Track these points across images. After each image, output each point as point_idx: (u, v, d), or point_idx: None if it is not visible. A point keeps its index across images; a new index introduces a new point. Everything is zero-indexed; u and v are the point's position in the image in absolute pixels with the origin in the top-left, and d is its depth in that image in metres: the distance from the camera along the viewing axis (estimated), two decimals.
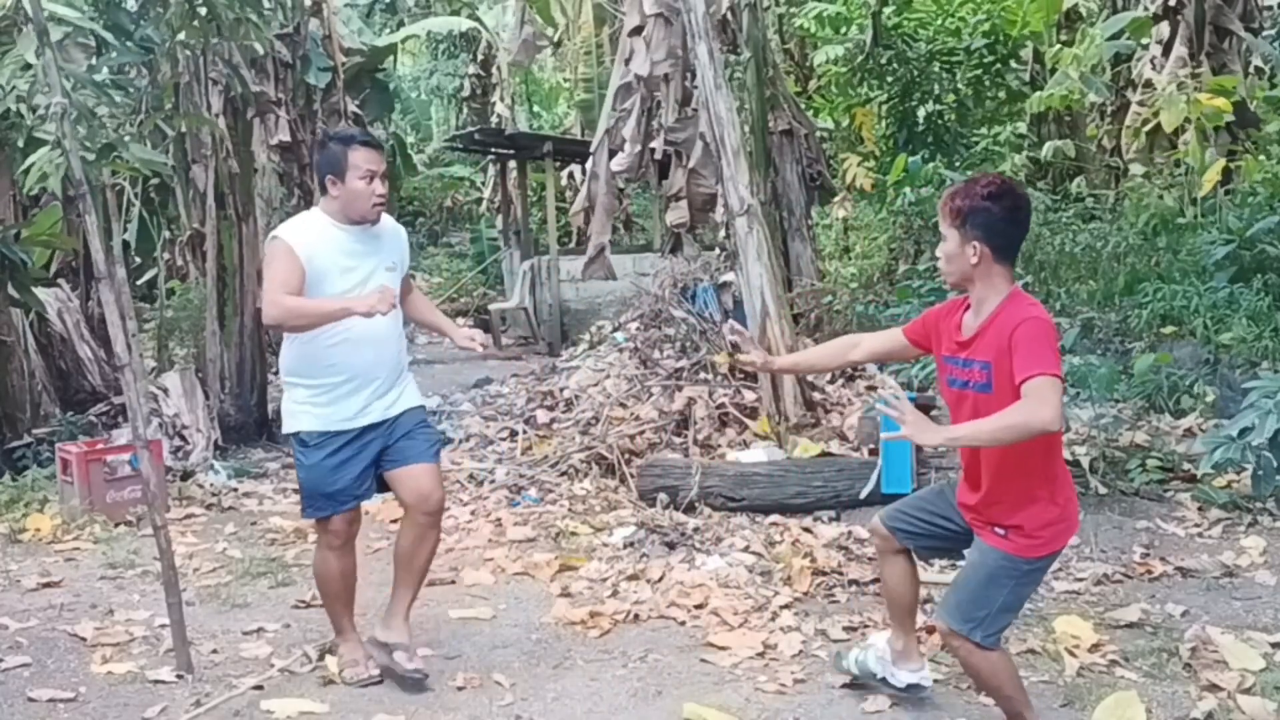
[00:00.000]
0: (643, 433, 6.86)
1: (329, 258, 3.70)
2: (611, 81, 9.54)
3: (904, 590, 3.51)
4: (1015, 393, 2.86)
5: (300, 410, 3.80)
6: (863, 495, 5.81)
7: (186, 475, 7.03)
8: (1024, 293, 3.11)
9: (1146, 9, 11.36)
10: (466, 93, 21.30)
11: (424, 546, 3.88)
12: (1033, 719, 3.22)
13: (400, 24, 17.29)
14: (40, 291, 7.59)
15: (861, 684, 3.70)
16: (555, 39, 17.55)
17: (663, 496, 5.98)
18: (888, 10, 13.31)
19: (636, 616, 4.48)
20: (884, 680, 3.61)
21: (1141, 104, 11.35)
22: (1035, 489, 3.04)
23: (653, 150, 8.50)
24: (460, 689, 3.88)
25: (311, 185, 12.86)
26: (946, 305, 3.28)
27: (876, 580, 4.73)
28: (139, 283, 11.62)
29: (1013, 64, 13.61)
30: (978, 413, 2.98)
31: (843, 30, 13.73)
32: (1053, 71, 12.17)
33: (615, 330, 8.64)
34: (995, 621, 3.07)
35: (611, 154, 8.80)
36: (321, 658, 4.13)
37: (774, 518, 5.71)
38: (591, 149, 9.29)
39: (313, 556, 4.09)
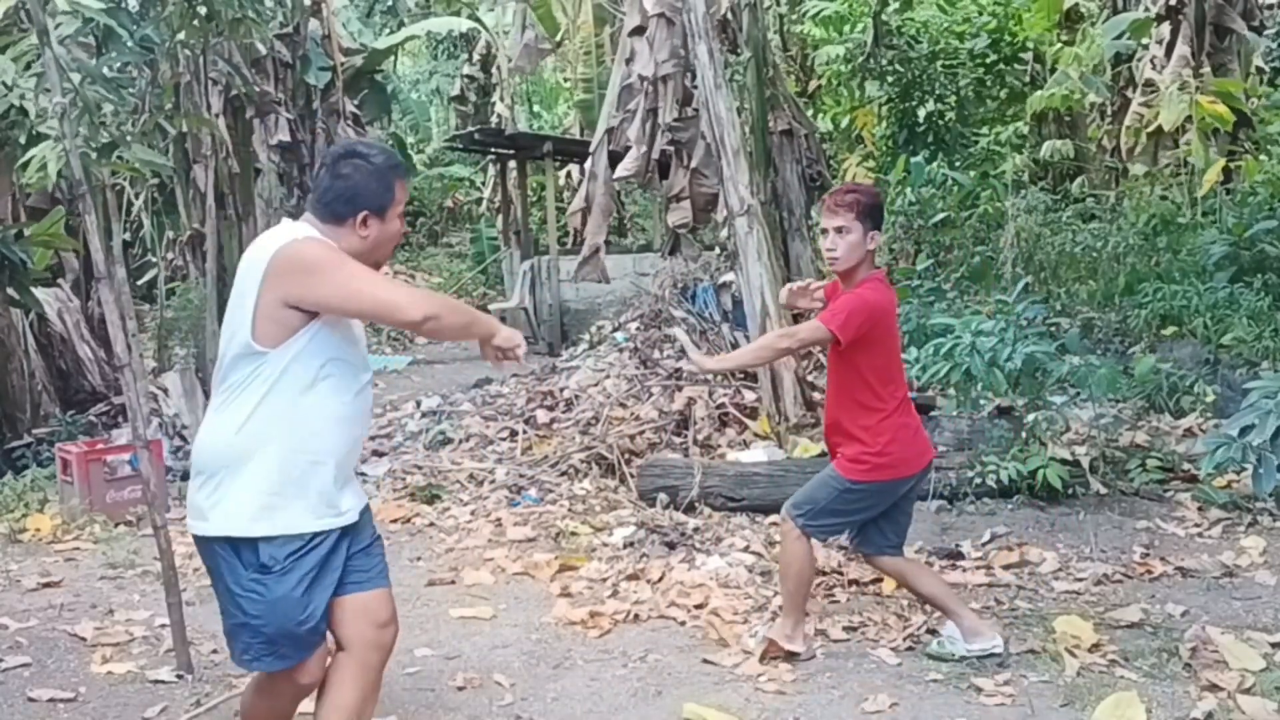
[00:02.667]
0: (643, 433, 6.86)
1: None
2: (612, 82, 9.55)
3: (805, 568, 4.02)
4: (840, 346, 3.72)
5: (268, 506, 2.60)
6: None
7: (186, 475, 7.01)
8: (882, 276, 3.91)
9: (1148, 9, 11.35)
10: (465, 93, 21.31)
11: (373, 701, 2.86)
12: (796, 623, 3.97)
13: (400, 25, 17.29)
14: (40, 291, 7.60)
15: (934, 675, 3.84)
16: (558, 41, 17.54)
17: (663, 496, 5.98)
18: (889, 10, 13.31)
19: (636, 616, 4.48)
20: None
21: (1143, 104, 11.34)
22: (853, 429, 3.84)
23: (654, 150, 8.51)
24: (460, 689, 3.88)
25: (311, 185, 12.89)
26: (833, 285, 3.98)
27: (877, 580, 4.74)
28: (139, 283, 11.63)
29: (1013, 64, 13.61)
30: (838, 365, 3.82)
31: (844, 30, 13.74)
32: (1053, 71, 12.18)
33: (615, 330, 8.65)
34: (817, 517, 3.87)
35: (612, 154, 8.81)
36: None
37: (774, 518, 5.69)
38: (591, 149, 9.30)
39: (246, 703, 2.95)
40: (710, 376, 7.28)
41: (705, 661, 4.03)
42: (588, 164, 9.36)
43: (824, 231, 3.85)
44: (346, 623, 2.77)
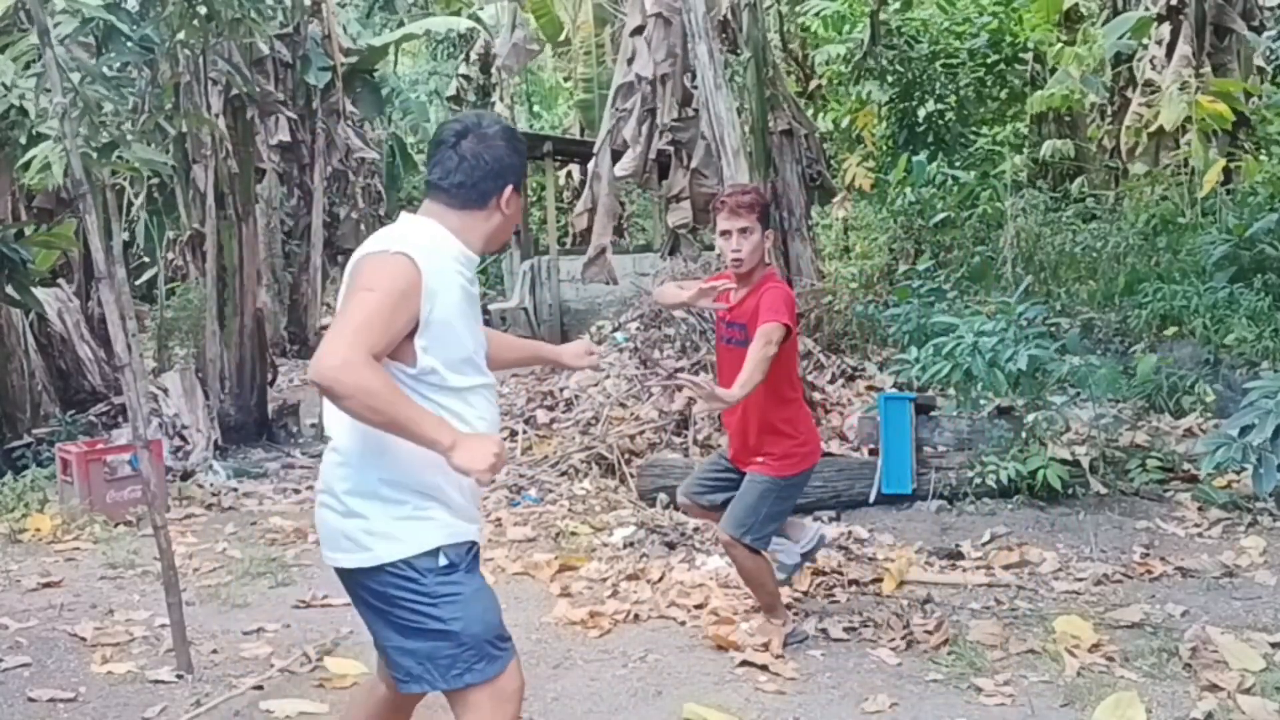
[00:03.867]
0: (643, 433, 6.86)
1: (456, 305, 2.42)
2: (614, 81, 9.55)
3: (769, 571, 4.23)
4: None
5: (427, 519, 2.39)
6: (871, 500, 5.83)
7: (186, 475, 7.03)
8: (775, 271, 4.18)
9: (1148, 9, 11.35)
10: (461, 94, 21.29)
11: None
12: (782, 613, 4.22)
13: (400, 24, 17.28)
14: (40, 291, 7.59)
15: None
16: (560, 39, 17.53)
17: (663, 496, 5.98)
18: (890, 10, 13.30)
19: (636, 616, 4.48)
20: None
21: (1143, 104, 11.34)
22: (781, 425, 3.97)
23: (656, 151, 8.51)
24: None
25: (311, 185, 12.89)
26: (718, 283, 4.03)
27: (877, 580, 4.74)
28: (139, 283, 11.63)
29: (1014, 64, 13.61)
30: (735, 363, 3.81)
31: (844, 30, 13.73)
32: (1053, 71, 12.17)
33: (615, 330, 8.65)
34: (762, 529, 3.99)
35: (614, 154, 8.80)
36: (321, 658, 4.13)
37: None
38: (595, 150, 9.29)
39: None
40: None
41: (705, 661, 4.03)
42: (591, 165, 9.35)
43: (725, 234, 3.93)
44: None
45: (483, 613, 2.40)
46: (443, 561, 2.38)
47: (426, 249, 2.33)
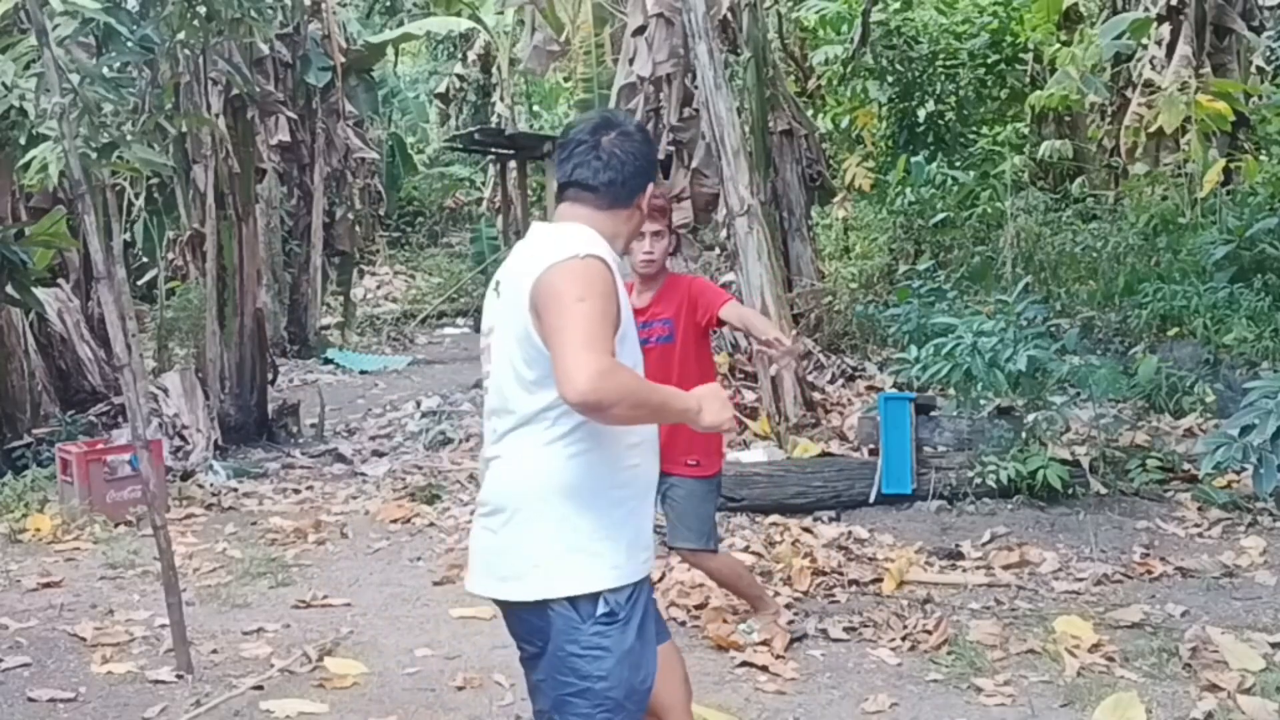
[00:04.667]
0: None
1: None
2: (615, 81, 9.55)
3: (740, 567, 4.40)
4: (699, 332, 3.89)
5: (594, 558, 2.21)
6: (871, 500, 5.83)
7: (186, 475, 7.03)
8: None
9: (1148, 9, 11.35)
10: (451, 92, 21.29)
11: None
12: (769, 600, 4.31)
13: (400, 24, 17.28)
14: (40, 291, 7.59)
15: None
16: (560, 39, 17.51)
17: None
18: (889, 10, 13.29)
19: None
20: None
21: (1143, 104, 11.33)
22: None
23: (660, 152, 8.50)
24: (460, 689, 3.88)
25: (311, 185, 12.90)
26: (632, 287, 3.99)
27: (877, 580, 4.74)
28: (139, 283, 11.63)
29: (1014, 64, 13.60)
30: (665, 359, 3.78)
31: (843, 30, 13.72)
32: (1053, 71, 12.16)
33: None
34: (714, 530, 4.09)
35: None
36: (321, 658, 4.13)
37: (774, 518, 5.70)
38: None
39: None
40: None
41: (705, 661, 4.03)
42: None
43: (639, 236, 3.88)
44: (660, 681, 2.36)
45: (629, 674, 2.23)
46: (602, 609, 2.20)
47: (606, 251, 2.24)
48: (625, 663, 2.20)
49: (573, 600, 2.18)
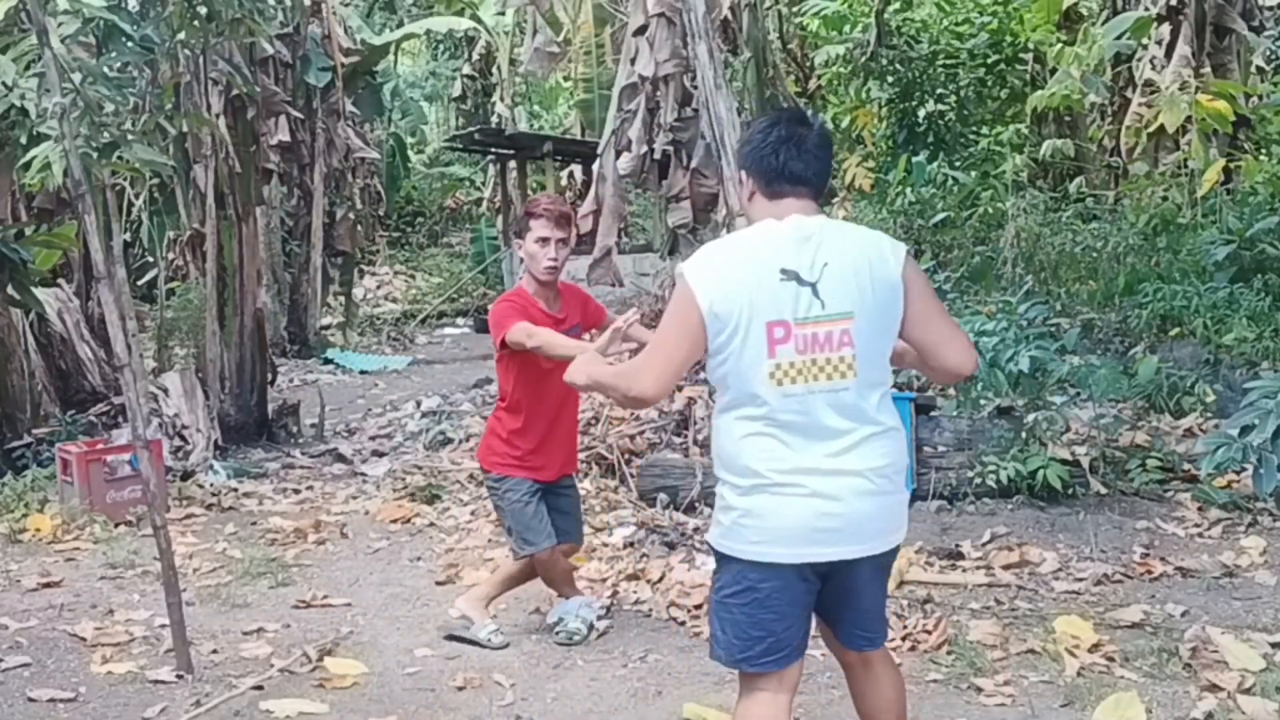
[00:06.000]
0: (643, 433, 6.86)
1: None
2: (616, 82, 9.54)
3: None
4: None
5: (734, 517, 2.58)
6: None
7: (186, 475, 7.03)
8: None
9: (1148, 9, 11.35)
10: (464, 94, 21.30)
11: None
12: (571, 591, 4.36)
13: (400, 24, 17.28)
14: (40, 291, 7.59)
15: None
16: (560, 39, 17.50)
17: (663, 496, 5.98)
18: (891, 9, 13.30)
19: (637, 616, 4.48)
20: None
21: (1143, 104, 11.34)
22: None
23: (654, 151, 8.49)
24: (460, 689, 3.88)
25: (311, 185, 12.89)
26: (522, 299, 4.06)
27: None
28: (139, 283, 11.64)
29: (1014, 64, 13.61)
30: None
31: (844, 30, 13.73)
32: (1053, 71, 12.16)
33: None
34: None
35: (618, 155, 8.78)
36: (321, 658, 4.13)
37: None
38: (599, 150, 9.27)
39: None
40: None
41: (705, 661, 4.02)
42: (595, 166, 9.32)
43: (543, 241, 4.01)
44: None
45: None
46: None
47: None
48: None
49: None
